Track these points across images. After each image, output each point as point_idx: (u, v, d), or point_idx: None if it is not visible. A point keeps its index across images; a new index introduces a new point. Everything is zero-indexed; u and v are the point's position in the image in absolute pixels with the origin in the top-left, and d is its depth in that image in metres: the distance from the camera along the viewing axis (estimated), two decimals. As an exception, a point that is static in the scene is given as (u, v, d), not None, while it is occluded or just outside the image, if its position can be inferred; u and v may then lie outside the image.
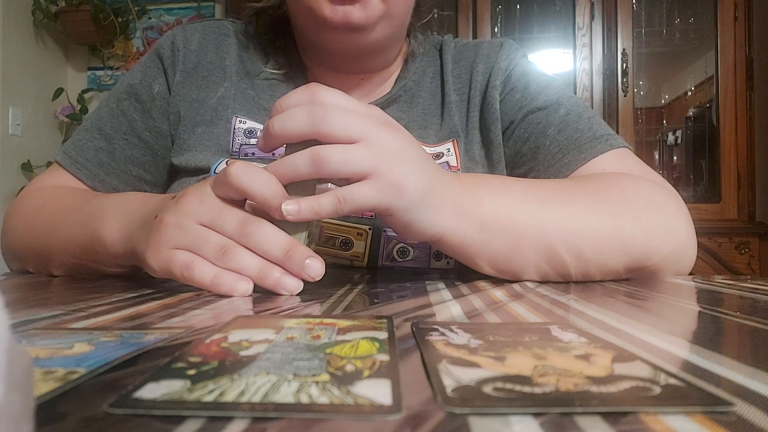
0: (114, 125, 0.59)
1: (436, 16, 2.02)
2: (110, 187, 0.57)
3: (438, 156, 0.57)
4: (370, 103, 0.60)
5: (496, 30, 2.08)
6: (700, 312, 0.27)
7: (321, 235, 0.53)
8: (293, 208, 0.32)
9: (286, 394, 0.14)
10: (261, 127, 0.57)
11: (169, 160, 0.59)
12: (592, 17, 1.99)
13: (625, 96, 1.96)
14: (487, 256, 0.39)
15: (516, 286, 0.38)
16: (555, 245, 0.39)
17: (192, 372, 0.15)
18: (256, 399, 0.13)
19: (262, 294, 0.34)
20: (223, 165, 0.54)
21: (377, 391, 0.14)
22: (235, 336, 0.20)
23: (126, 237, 0.40)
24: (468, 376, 0.15)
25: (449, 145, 0.58)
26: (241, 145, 0.56)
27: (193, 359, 0.17)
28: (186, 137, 0.58)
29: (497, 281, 0.40)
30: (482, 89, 0.60)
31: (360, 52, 0.57)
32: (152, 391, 0.14)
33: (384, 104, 0.60)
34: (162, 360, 0.17)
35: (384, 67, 0.62)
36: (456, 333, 0.21)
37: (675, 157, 2.10)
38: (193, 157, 0.56)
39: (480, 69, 0.61)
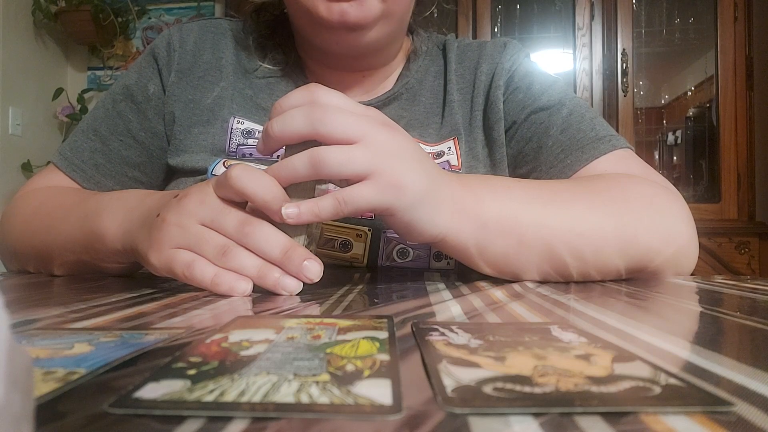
0: (110, 126, 0.59)
1: (436, 15, 2.02)
2: (106, 189, 0.57)
3: (439, 155, 0.57)
4: (371, 100, 0.60)
5: (495, 30, 2.08)
6: (700, 312, 0.27)
7: (321, 237, 0.53)
8: (293, 211, 0.32)
9: (286, 394, 0.14)
10: (259, 127, 0.57)
11: (165, 160, 0.59)
12: (592, 17, 1.99)
13: (625, 96, 1.96)
14: (488, 256, 0.39)
15: (516, 286, 0.38)
16: (556, 246, 0.39)
17: (192, 372, 0.15)
18: (257, 399, 0.13)
19: (262, 294, 0.34)
20: (220, 165, 0.54)
21: (377, 391, 0.14)
22: (235, 336, 0.20)
23: (126, 233, 0.40)
24: (468, 376, 0.15)
25: (450, 143, 0.58)
26: (239, 145, 0.56)
27: (193, 359, 0.17)
28: (182, 137, 0.57)
29: (497, 281, 0.40)
30: (485, 89, 0.60)
31: (359, 51, 0.57)
32: (152, 391, 0.14)
33: (386, 101, 0.60)
34: (162, 360, 0.17)
35: (384, 65, 0.62)
36: (456, 333, 0.21)
37: (675, 157, 2.10)
38: (190, 157, 0.56)
39: (483, 69, 0.61)
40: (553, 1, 2.07)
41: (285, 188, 0.34)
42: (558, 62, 2.05)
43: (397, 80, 0.63)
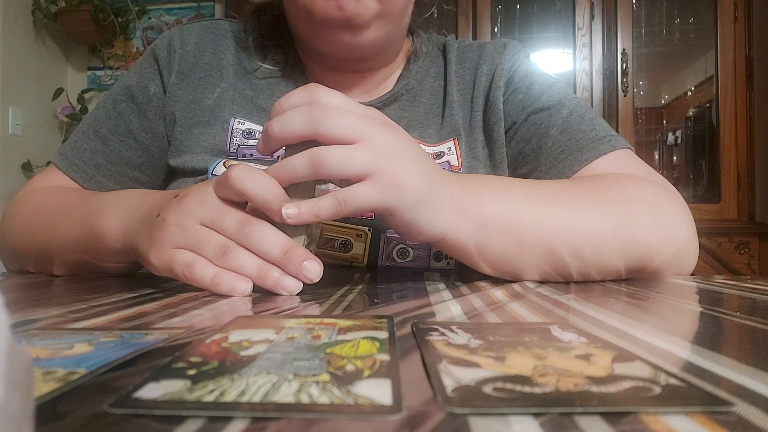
0: (110, 127, 0.59)
1: (435, 15, 2.02)
2: (106, 190, 0.57)
3: (439, 155, 0.57)
4: (371, 101, 0.60)
5: (495, 30, 2.08)
6: (700, 312, 0.27)
7: (321, 237, 0.53)
8: (293, 211, 0.32)
9: (286, 394, 0.14)
10: (259, 128, 0.57)
11: (166, 161, 0.59)
12: (592, 17, 1.99)
13: (624, 96, 1.96)
14: (488, 256, 0.39)
15: (516, 286, 0.38)
16: (556, 246, 0.39)
17: (192, 372, 0.15)
18: (257, 399, 0.13)
19: (262, 294, 0.34)
20: (220, 166, 0.54)
21: (377, 391, 0.14)
22: (235, 336, 0.20)
23: (126, 233, 0.40)
24: (468, 376, 0.15)
25: (450, 144, 0.58)
26: (239, 145, 0.56)
27: (193, 359, 0.17)
28: (183, 138, 0.58)
29: (497, 281, 0.40)
30: (485, 90, 0.61)
31: (358, 54, 0.57)
32: (152, 391, 0.14)
33: (386, 102, 0.60)
34: (162, 360, 0.17)
35: (384, 66, 0.62)
36: (456, 333, 0.21)
37: (675, 157, 2.10)
38: (191, 158, 0.56)
39: (483, 70, 0.61)
40: (553, 1, 2.07)
41: (285, 188, 0.34)
42: (558, 62, 2.05)
43: (397, 81, 0.63)
